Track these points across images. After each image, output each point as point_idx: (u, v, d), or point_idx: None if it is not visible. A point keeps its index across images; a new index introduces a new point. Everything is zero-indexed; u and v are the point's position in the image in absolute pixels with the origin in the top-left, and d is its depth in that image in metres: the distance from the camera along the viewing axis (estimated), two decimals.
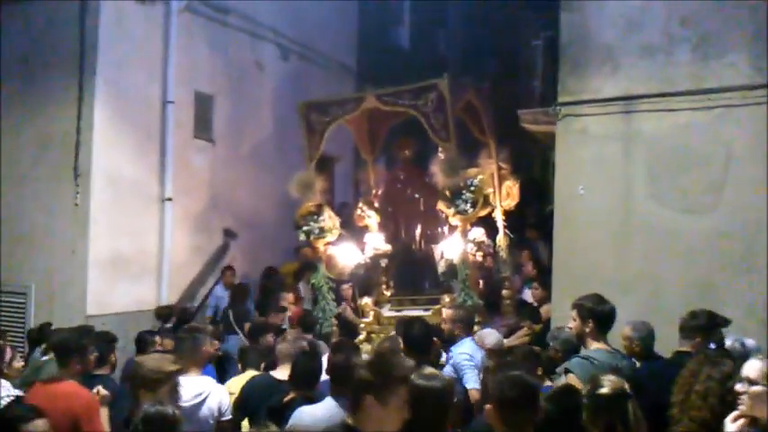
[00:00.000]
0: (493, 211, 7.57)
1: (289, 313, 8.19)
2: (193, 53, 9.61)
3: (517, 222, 11.03)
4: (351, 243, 7.87)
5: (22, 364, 5.93)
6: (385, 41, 13.51)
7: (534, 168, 12.26)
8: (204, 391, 4.29)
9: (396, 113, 7.70)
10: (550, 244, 7.42)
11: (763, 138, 6.27)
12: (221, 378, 5.78)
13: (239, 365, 5.84)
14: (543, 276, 8.27)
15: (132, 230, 8.81)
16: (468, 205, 6.78)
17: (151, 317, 8.95)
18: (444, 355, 5.86)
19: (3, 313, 8.67)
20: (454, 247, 7.01)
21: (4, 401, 4.45)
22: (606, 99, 6.90)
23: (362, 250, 7.88)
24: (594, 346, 4.13)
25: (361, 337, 7.11)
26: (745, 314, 5.78)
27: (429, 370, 3.07)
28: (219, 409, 4.38)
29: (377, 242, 7.87)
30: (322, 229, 7.36)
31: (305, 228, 7.39)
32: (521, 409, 2.70)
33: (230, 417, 4.49)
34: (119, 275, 8.61)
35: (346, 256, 7.76)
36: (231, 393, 4.73)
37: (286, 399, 4.25)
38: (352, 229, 8.40)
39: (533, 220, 11.40)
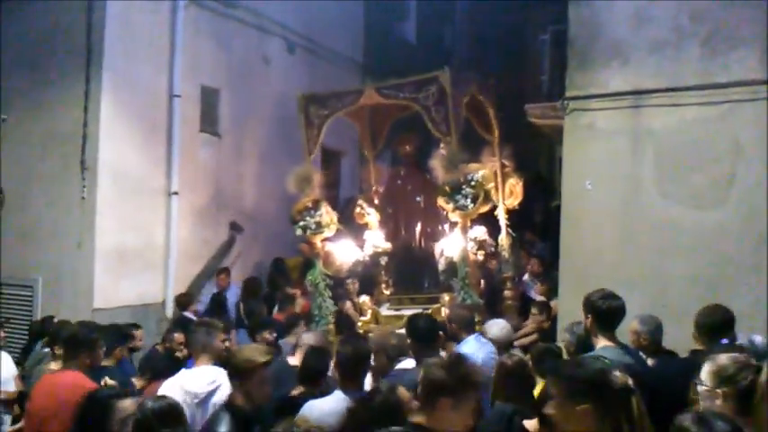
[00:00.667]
0: (495, 208, 7.44)
1: (298, 308, 8.20)
2: (200, 47, 9.61)
3: (523, 220, 11.06)
4: (349, 239, 7.70)
5: None
6: (391, 36, 13.48)
7: (541, 163, 12.25)
8: (216, 380, 4.29)
9: (399, 108, 7.58)
10: (553, 241, 7.41)
11: None
12: None
13: None
14: (547, 273, 8.26)
15: (138, 224, 8.82)
16: (469, 201, 6.56)
17: (158, 309, 8.99)
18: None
19: (10, 306, 8.69)
20: (454, 244, 6.84)
21: None
22: (614, 94, 6.88)
23: (362, 247, 7.73)
24: (601, 343, 4.05)
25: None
26: (752, 310, 5.76)
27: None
28: None
29: (377, 240, 7.72)
30: (319, 225, 7.14)
31: (301, 223, 7.17)
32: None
33: None
34: (125, 269, 8.63)
35: (344, 252, 7.59)
36: None
37: (294, 393, 4.25)
38: (353, 224, 8.30)
39: (539, 218, 11.39)
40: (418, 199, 7.81)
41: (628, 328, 4.93)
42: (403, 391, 3.20)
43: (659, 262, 6.56)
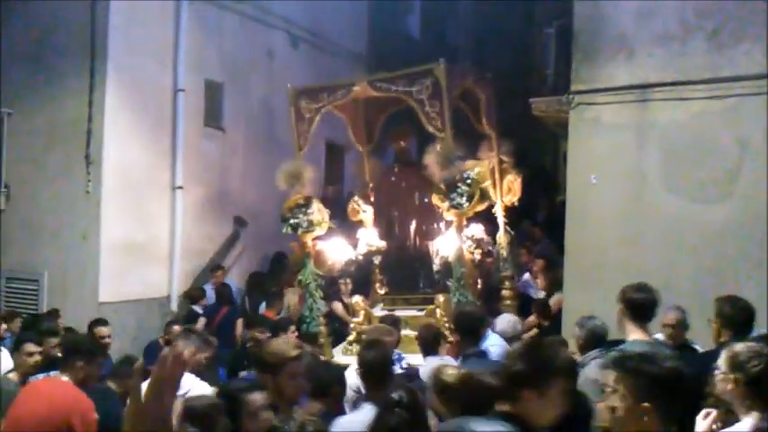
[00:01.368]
0: (492, 206, 7.14)
1: (286, 305, 8.18)
2: (203, 41, 9.61)
3: (527, 216, 11.00)
4: (341, 238, 7.42)
5: None
6: (395, 29, 13.45)
7: (546, 158, 12.23)
8: (183, 387, 3.94)
9: (393, 101, 7.28)
10: (557, 237, 7.35)
11: None
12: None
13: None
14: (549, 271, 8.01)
15: (143, 218, 8.84)
16: (464, 199, 6.26)
17: (163, 303, 9.02)
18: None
19: (16, 300, 8.72)
20: (449, 244, 6.56)
21: None
22: (620, 88, 6.86)
23: (355, 246, 7.43)
24: (632, 336, 4.01)
25: (351, 337, 6.76)
26: (758, 304, 5.73)
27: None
28: None
29: (370, 238, 7.41)
30: (311, 223, 6.84)
31: (292, 221, 6.89)
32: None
33: None
34: (130, 263, 8.64)
35: (336, 251, 7.28)
36: None
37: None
38: (347, 222, 8.05)
39: (544, 213, 11.34)
40: (413, 196, 7.54)
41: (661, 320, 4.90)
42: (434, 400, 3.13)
43: (664, 256, 6.54)
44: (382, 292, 7.43)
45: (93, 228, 8.36)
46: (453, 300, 6.27)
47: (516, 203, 7.57)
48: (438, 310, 6.48)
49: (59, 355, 4.63)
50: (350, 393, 4.27)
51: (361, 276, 7.87)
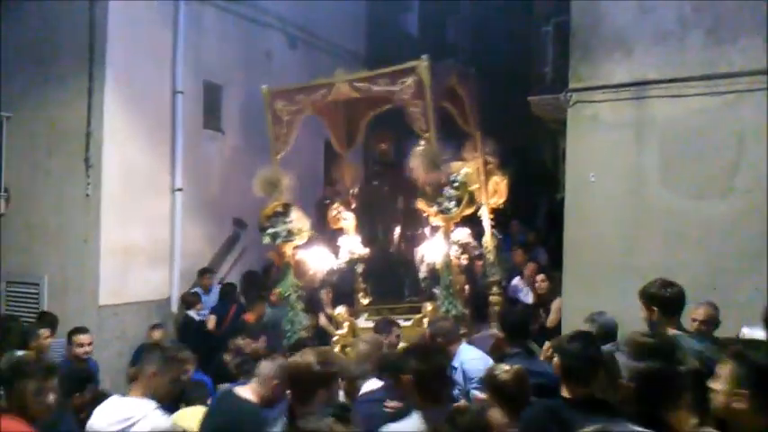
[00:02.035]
0: (479, 209, 6.86)
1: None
2: (202, 43, 9.60)
3: (525, 214, 10.94)
4: (323, 247, 7.08)
5: None
6: (394, 28, 13.43)
7: (546, 156, 12.21)
8: (132, 417, 3.64)
9: (377, 102, 6.99)
10: (558, 236, 7.29)
11: None
12: None
13: None
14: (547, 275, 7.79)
15: (144, 220, 8.84)
16: (452, 203, 5.96)
17: (164, 306, 9.02)
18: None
19: (16, 304, 8.72)
20: (436, 250, 6.28)
21: None
22: (618, 85, 6.87)
23: (336, 254, 7.10)
24: (670, 332, 3.97)
25: (335, 350, 6.33)
26: (757, 298, 5.73)
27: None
28: None
29: (352, 245, 7.07)
30: (290, 232, 6.50)
31: (270, 230, 6.56)
32: None
33: None
34: (131, 265, 8.64)
35: (317, 260, 6.93)
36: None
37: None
38: (327, 230, 7.72)
39: (544, 210, 11.29)
40: (396, 201, 7.21)
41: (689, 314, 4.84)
42: (494, 413, 3.06)
43: (664, 252, 6.55)
44: (366, 301, 7.09)
45: (94, 231, 8.35)
46: (442, 309, 6.01)
47: (506, 204, 7.39)
48: (425, 320, 6.19)
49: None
50: None
51: (343, 286, 7.50)
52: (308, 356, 3.39)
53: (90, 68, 8.43)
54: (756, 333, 4.46)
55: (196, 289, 9.16)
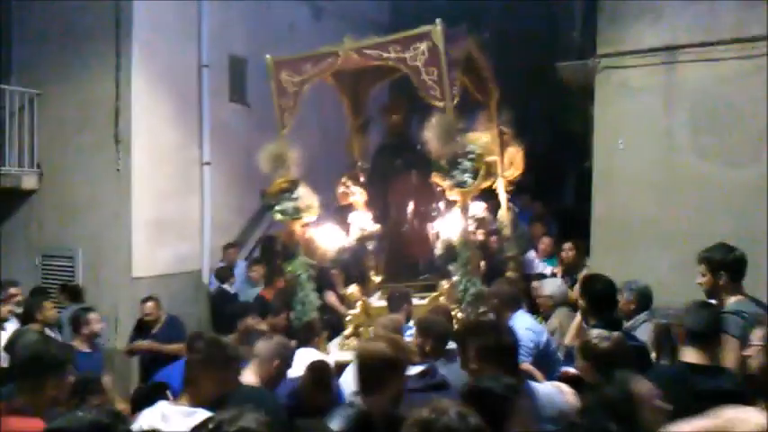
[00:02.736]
0: (495, 181, 6.50)
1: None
2: (226, 16, 9.61)
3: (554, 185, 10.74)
4: (333, 224, 6.69)
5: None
6: None
7: (575, 123, 12.08)
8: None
9: (385, 70, 6.58)
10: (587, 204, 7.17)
11: None
12: None
13: None
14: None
15: (173, 194, 8.96)
16: (468, 176, 5.56)
17: (196, 277, 9.17)
18: None
19: (52, 276, 8.95)
20: (453, 225, 5.88)
21: None
22: (647, 50, 6.75)
23: (347, 231, 6.70)
24: (733, 298, 3.93)
25: (348, 330, 6.12)
26: None
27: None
28: None
29: (363, 222, 6.68)
30: (297, 209, 6.17)
31: (278, 207, 6.24)
32: None
33: None
34: (162, 238, 8.79)
35: (328, 238, 6.55)
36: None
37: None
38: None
39: (573, 179, 11.09)
40: (409, 175, 6.78)
41: None
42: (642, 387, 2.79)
43: (694, 220, 6.48)
44: (378, 280, 6.77)
45: (125, 205, 8.50)
46: (460, 286, 5.70)
47: (530, 174, 7.04)
48: (442, 298, 5.93)
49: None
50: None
51: (354, 264, 7.11)
52: (379, 342, 3.15)
53: (117, 44, 8.52)
54: None
55: (222, 263, 9.18)
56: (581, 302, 4.43)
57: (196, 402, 3.12)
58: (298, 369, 4.26)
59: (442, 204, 6.40)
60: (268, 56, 6.38)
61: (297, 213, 6.18)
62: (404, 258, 6.85)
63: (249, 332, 5.74)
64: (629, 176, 6.83)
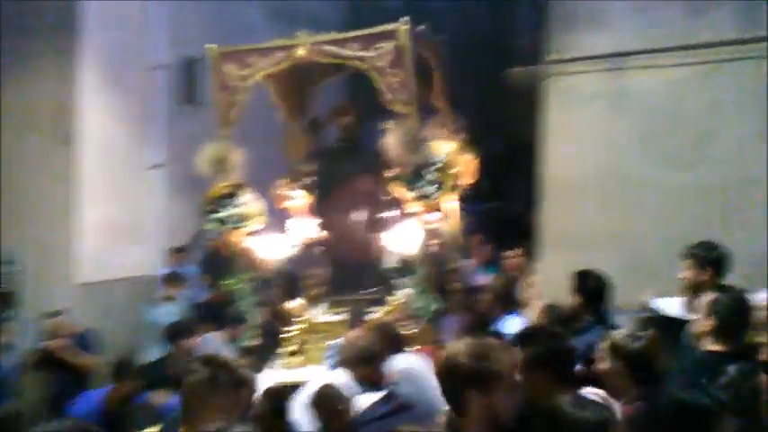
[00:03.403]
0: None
1: None
2: (179, 16, 9.48)
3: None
4: (277, 233, 6.09)
5: None
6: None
7: (527, 130, 12.24)
8: None
9: (331, 69, 6.18)
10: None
11: (752, 92, 6.27)
12: None
13: None
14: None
15: (125, 197, 8.81)
16: (434, 188, 5.23)
17: (148, 282, 9.02)
18: None
19: None
20: (409, 238, 5.43)
21: None
22: (595, 56, 6.87)
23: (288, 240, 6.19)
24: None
25: (293, 347, 5.55)
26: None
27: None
28: None
29: (306, 229, 6.20)
30: (241, 217, 5.65)
31: (215, 215, 5.70)
32: None
33: None
34: (112, 242, 8.62)
35: (270, 248, 5.90)
36: None
37: None
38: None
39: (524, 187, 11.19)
40: (359, 182, 6.37)
41: None
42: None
43: (639, 222, 6.64)
44: (319, 292, 6.21)
45: (72, 208, 8.32)
46: (418, 303, 5.32)
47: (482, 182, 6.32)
48: (392, 314, 5.40)
49: None
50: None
51: (296, 276, 6.52)
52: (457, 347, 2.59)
53: (65, 44, 8.34)
54: None
55: (165, 269, 8.89)
56: (575, 298, 4.42)
57: None
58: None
59: (393, 213, 5.91)
60: (210, 45, 5.77)
61: (241, 222, 5.68)
62: (350, 270, 6.32)
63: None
64: (577, 180, 6.94)
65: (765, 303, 3.88)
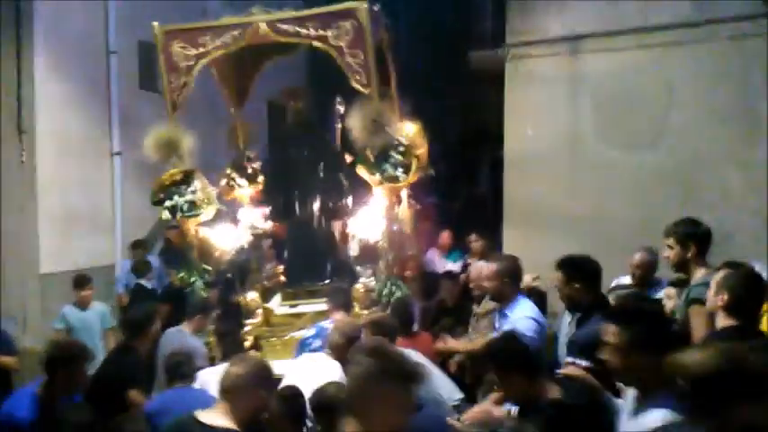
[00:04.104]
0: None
1: None
2: (135, 1, 9.30)
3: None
4: (230, 222, 5.93)
5: None
6: None
7: (491, 113, 12.36)
8: None
9: (275, 48, 5.94)
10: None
11: (706, 74, 6.42)
12: None
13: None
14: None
15: (82, 186, 8.64)
16: (400, 171, 5.08)
17: (108, 272, 8.90)
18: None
19: None
20: (372, 224, 5.30)
21: None
22: (553, 39, 6.96)
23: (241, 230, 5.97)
24: (701, 272, 3.93)
25: (248, 343, 5.37)
26: None
27: None
28: None
29: (254, 219, 5.96)
30: (193, 205, 5.41)
31: (168, 202, 5.46)
32: None
33: None
34: (72, 232, 8.47)
35: (224, 238, 5.70)
36: None
37: None
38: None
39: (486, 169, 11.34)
40: (315, 168, 6.13)
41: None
42: None
43: (598, 202, 6.77)
44: (274, 283, 6.05)
45: (30, 198, 8.14)
46: (385, 290, 5.20)
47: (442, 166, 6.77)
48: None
49: None
50: None
51: (249, 267, 6.22)
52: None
53: (18, 30, 8.11)
54: None
55: (126, 261, 8.72)
56: (576, 285, 4.19)
57: (233, 420, 2.85)
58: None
59: (350, 200, 5.88)
60: (155, 23, 5.46)
61: (193, 210, 5.44)
62: (307, 260, 6.16)
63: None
64: (537, 162, 7.05)
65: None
